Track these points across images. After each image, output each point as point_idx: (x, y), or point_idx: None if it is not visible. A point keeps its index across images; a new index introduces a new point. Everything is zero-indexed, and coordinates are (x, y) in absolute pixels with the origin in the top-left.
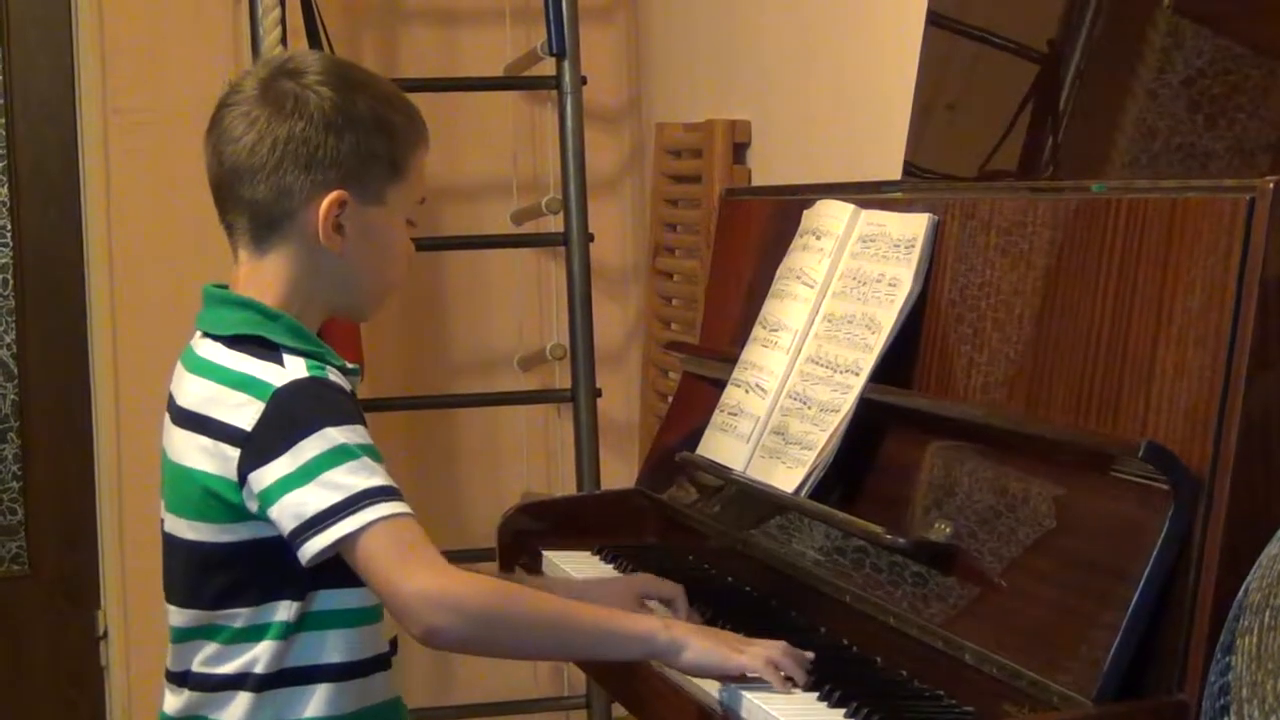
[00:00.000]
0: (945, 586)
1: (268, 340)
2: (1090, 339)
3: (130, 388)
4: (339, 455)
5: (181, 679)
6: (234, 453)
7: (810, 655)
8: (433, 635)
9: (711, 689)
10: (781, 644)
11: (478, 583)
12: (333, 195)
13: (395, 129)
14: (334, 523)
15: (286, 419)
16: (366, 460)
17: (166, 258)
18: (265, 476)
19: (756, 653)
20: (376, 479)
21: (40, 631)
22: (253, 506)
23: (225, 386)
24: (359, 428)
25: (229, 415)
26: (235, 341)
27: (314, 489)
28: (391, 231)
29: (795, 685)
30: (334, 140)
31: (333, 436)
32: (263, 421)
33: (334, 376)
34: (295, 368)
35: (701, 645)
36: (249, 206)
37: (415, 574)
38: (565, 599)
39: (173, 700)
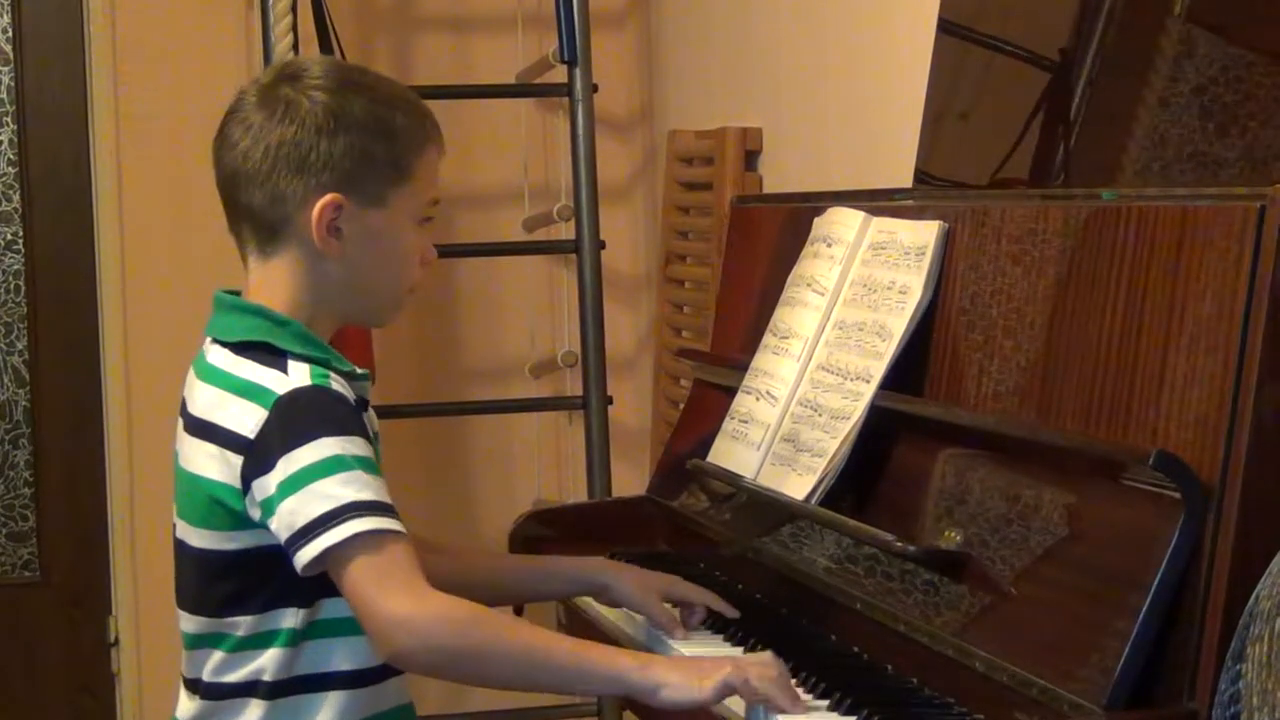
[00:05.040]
0: (956, 594)
1: (274, 347)
2: (1101, 347)
3: (142, 394)
4: (332, 465)
5: (194, 686)
6: (238, 460)
7: (783, 669)
8: (397, 660)
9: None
10: (756, 666)
11: (451, 612)
12: (325, 199)
13: (395, 130)
14: (320, 534)
15: (286, 427)
16: (360, 472)
17: (178, 264)
18: (266, 485)
19: (719, 682)
20: (367, 493)
21: (52, 638)
22: (255, 514)
23: (231, 393)
24: (357, 439)
25: (234, 422)
26: (242, 348)
27: (305, 498)
28: (397, 234)
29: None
30: (326, 143)
31: (327, 446)
32: (265, 429)
33: (337, 385)
34: (299, 375)
35: (676, 681)
36: (249, 214)
37: (389, 596)
38: (543, 630)
39: (186, 705)
